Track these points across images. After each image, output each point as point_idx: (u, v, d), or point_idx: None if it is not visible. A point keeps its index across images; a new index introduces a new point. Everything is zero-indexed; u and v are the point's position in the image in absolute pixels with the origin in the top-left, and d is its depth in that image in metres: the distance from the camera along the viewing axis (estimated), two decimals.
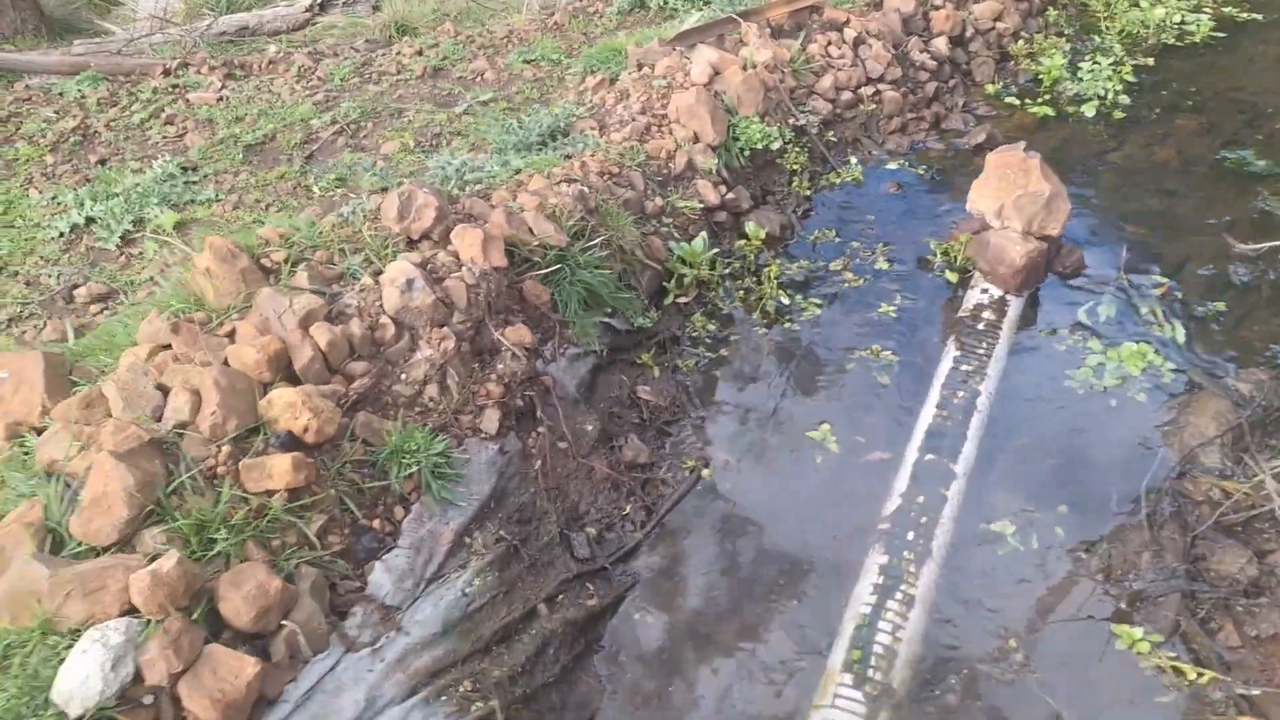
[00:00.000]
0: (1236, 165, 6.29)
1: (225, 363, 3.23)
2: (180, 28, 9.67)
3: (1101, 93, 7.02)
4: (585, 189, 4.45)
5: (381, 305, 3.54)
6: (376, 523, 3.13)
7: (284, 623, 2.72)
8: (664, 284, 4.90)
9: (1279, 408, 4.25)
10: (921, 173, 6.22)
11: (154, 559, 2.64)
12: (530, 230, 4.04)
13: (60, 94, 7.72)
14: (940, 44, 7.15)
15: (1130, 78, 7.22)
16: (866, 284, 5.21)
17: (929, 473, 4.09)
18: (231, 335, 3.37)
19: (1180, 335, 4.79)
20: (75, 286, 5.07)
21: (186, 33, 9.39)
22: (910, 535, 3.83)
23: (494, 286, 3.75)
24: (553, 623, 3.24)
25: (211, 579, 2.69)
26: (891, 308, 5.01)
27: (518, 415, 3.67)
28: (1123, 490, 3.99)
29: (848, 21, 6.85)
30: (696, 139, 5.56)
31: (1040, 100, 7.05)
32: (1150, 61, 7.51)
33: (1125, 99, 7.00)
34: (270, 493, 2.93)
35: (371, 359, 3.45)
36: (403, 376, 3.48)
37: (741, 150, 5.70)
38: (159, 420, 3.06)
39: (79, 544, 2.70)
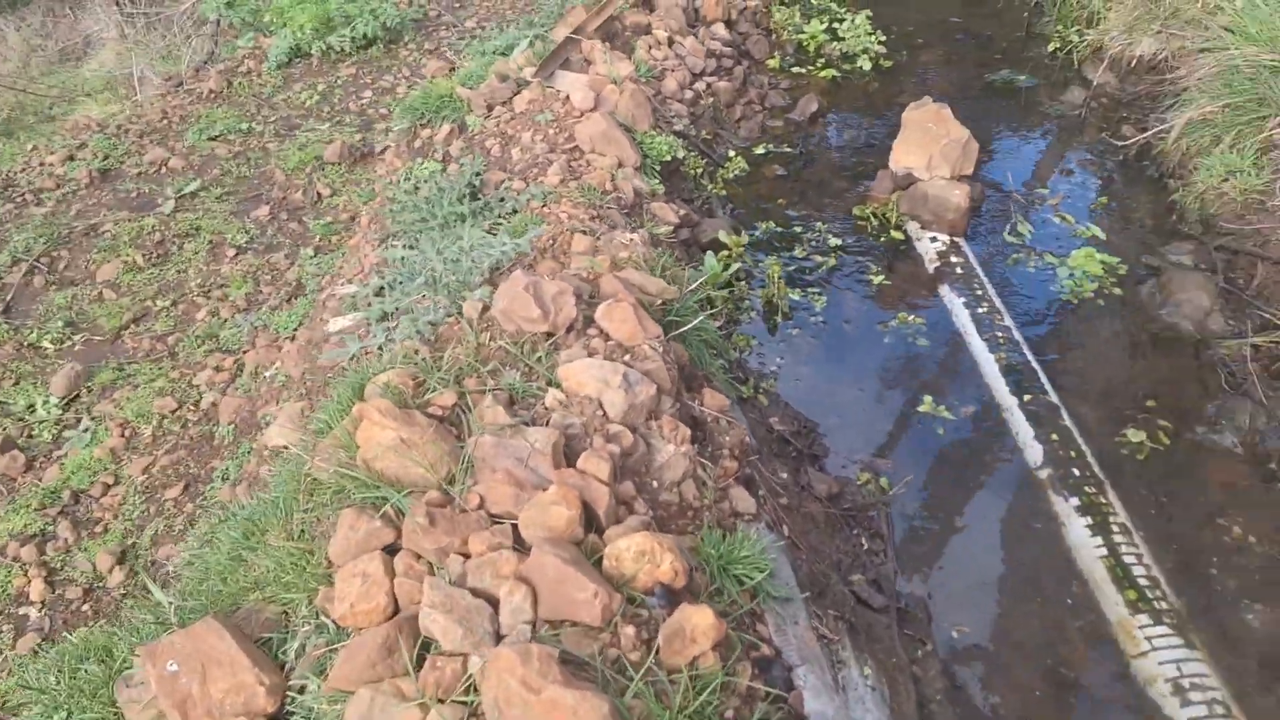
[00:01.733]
0: (1006, 84, 7.19)
1: (517, 538, 2.57)
2: None
3: (867, 47, 7.64)
4: (637, 235, 4.06)
5: (605, 414, 3.00)
6: (765, 647, 2.68)
7: None
8: None
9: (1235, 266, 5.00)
10: (789, 150, 6.41)
11: None
12: (642, 290, 3.62)
13: None
14: (720, 30, 7.38)
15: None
16: (838, 261, 5.30)
17: (1038, 412, 4.30)
18: (481, 505, 2.68)
19: (1100, 233, 5.43)
20: None
21: None
22: (1075, 471, 4.01)
23: (672, 359, 3.32)
24: (933, 687, 2.99)
25: None
26: (880, 275, 5.15)
27: (745, 485, 3.31)
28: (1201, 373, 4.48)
29: (650, 25, 6.84)
30: (621, 164, 5.28)
31: (820, 65, 7.53)
32: (868, 12, 8.30)
33: (882, 49, 7.69)
34: (695, 659, 2.40)
35: (625, 475, 2.92)
36: (654, 484, 2.98)
37: (652, 166, 5.50)
38: (499, 633, 2.38)
39: None
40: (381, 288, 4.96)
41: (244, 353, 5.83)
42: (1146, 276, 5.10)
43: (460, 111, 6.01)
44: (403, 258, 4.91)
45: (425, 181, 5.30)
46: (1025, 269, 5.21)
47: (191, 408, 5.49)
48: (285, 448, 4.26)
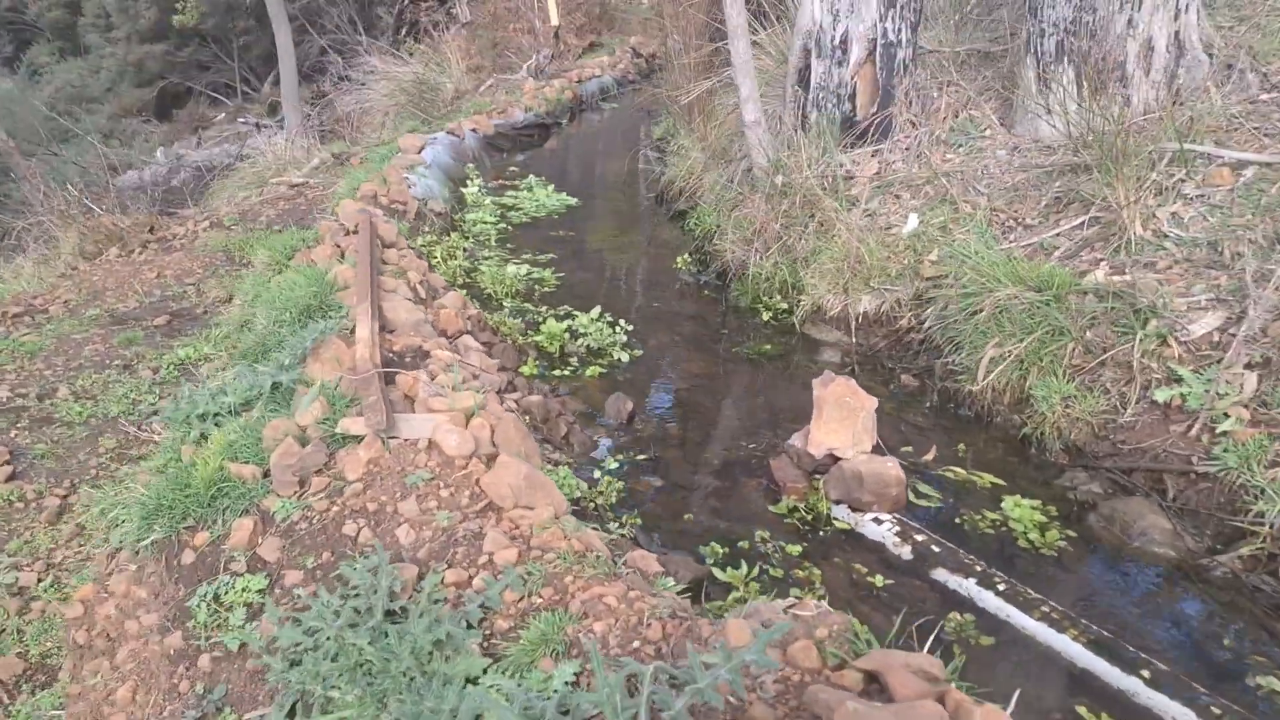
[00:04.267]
0: (758, 353, 7.14)
1: None
2: None
3: (615, 339, 7.17)
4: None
5: None
6: None
7: None
8: None
9: None
10: (643, 458, 5.52)
11: None
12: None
13: None
14: (471, 342, 6.41)
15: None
16: (822, 572, 4.46)
17: (1167, 687, 3.80)
18: None
19: (997, 479, 5.31)
20: None
21: None
22: None
23: None
24: None
25: None
26: (875, 576, 4.41)
27: None
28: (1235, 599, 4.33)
29: (422, 346, 5.67)
30: (556, 515, 4.00)
31: (574, 364, 6.87)
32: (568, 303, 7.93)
33: (624, 336, 7.30)
34: None
35: None
36: None
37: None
38: None
39: None
40: None
41: None
42: (1080, 513, 5.01)
43: (252, 496, 4.22)
44: None
45: (265, 613, 3.50)
46: (981, 530, 4.84)
47: None
48: None
